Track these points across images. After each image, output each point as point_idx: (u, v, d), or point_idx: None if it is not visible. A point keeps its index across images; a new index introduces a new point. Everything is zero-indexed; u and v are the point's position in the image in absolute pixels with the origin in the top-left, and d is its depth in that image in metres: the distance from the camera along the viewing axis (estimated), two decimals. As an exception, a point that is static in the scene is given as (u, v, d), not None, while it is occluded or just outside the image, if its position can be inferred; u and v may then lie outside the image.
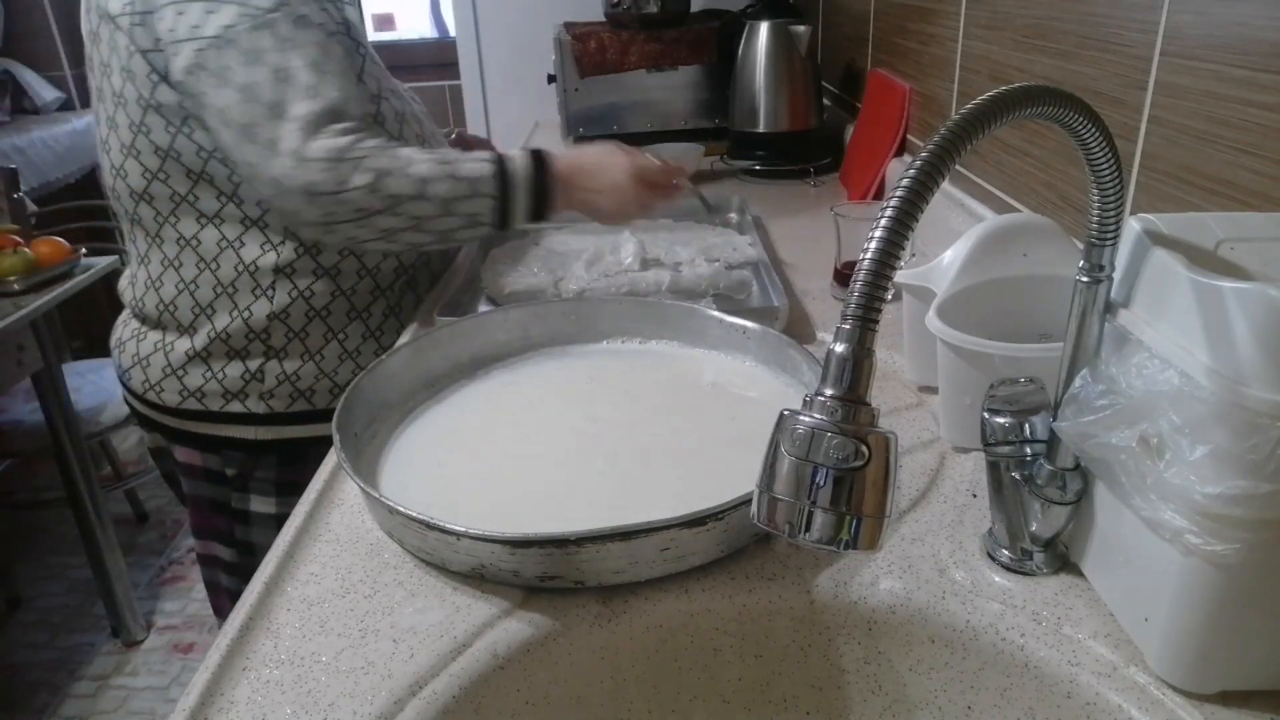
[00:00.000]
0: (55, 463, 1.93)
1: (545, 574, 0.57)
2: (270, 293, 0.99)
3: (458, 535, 0.56)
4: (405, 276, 1.09)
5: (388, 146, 0.89)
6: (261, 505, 1.07)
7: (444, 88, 2.94)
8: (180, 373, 1.02)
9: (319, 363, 1.03)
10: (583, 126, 1.78)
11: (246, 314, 0.99)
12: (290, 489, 1.05)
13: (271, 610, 0.58)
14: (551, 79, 1.80)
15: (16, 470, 2.36)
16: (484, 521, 0.56)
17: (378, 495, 0.60)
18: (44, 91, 2.94)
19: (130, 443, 2.64)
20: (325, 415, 1.03)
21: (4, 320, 1.65)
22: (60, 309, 1.85)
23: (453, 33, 2.47)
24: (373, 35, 3.11)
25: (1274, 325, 0.39)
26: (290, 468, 1.06)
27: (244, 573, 1.08)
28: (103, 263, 1.93)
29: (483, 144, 1.34)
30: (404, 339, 0.97)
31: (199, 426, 1.04)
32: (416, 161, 0.89)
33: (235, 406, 1.02)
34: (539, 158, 0.96)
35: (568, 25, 1.81)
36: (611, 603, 0.58)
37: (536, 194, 0.95)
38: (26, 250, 1.80)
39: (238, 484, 1.07)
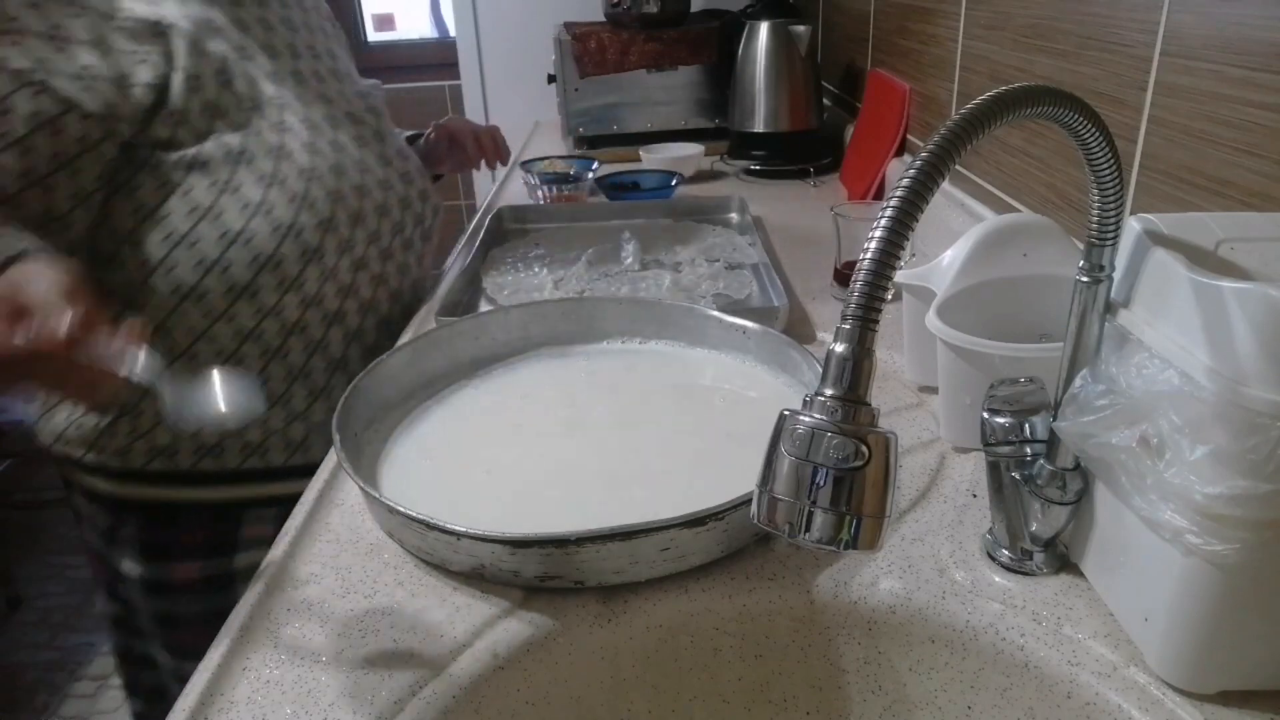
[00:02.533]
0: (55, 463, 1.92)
1: (545, 574, 0.57)
2: None
3: (458, 535, 0.56)
4: (260, 347, 0.91)
5: None
6: (130, 568, 0.95)
7: (444, 88, 2.94)
8: (49, 414, 0.95)
9: None
10: (583, 126, 1.79)
11: None
12: (157, 553, 0.95)
13: (271, 610, 0.58)
14: (551, 79, 1.80)
15: (16, 470, 2.36)
16: (484, 521, 0.56)
17: (378, 495, 0.60)
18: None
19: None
20: (191, 478, 0.93)
21: (4, 320, 1.65)
22: (60, 309, 1.84)
23: (453, 33, 2.47)
24: (373, 35, 3.11)
25: (1274, 325, 0.39)
26: (156, 530, 0.94)
27: (126, 631, 1.00)
28: (103, 263, 1.93)
29: (467, 133, 1.27)
30: (404, 339, 0.97)
31: (68, 473, 0.97)
32: None
33: (92, 458, 0.93)
34: None
35: (568, 25, 1.81)
36: (611, 603, 0.58)
37: None
38: (26, 250, 1.80)
39: (107, 538, 0.96)
